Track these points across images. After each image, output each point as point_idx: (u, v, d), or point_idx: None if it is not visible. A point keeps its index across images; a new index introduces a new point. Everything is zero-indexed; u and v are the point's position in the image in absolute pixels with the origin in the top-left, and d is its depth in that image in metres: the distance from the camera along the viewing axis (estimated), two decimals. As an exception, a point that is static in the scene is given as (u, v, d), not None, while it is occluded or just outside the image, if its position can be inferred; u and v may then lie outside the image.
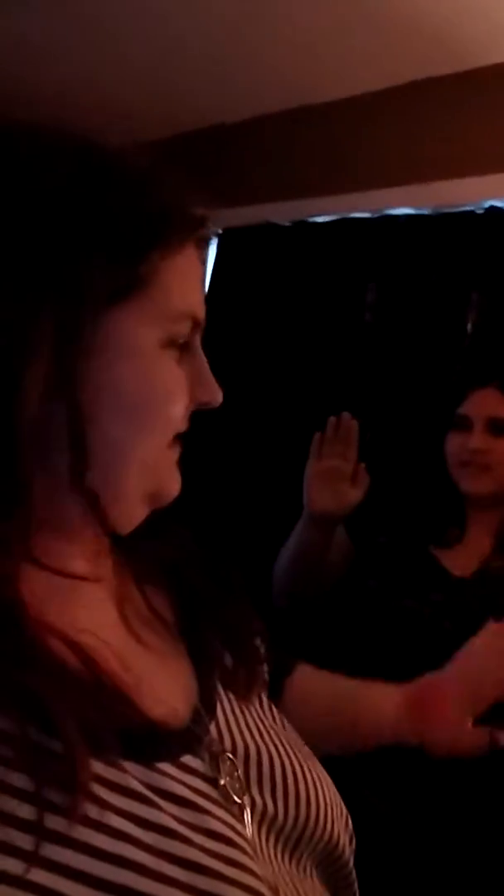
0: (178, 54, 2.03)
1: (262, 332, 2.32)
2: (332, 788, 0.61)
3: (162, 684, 0.54)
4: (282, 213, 2.30)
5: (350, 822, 0.62)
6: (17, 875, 0.38)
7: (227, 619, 0.63)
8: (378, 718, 0.83)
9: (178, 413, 0.54)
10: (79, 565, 0.53)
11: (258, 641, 0.67)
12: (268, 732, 0.59)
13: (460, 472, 1.46)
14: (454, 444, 1.48)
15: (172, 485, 0.56)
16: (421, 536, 1.48)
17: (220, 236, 2.52)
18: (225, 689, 0.59)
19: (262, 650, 0.67)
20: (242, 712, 0.59)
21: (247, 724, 0.58)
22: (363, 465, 1.48)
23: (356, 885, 0.63)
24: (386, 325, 2.08)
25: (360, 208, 2.15)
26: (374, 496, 1.50)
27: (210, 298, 2.53)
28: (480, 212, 1.95)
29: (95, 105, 2.33)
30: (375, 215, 2.14)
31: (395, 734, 0.82)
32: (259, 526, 1.98)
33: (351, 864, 0.61)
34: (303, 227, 2.27)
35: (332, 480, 1.46)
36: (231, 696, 0.59)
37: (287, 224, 2.30)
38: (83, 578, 0.52)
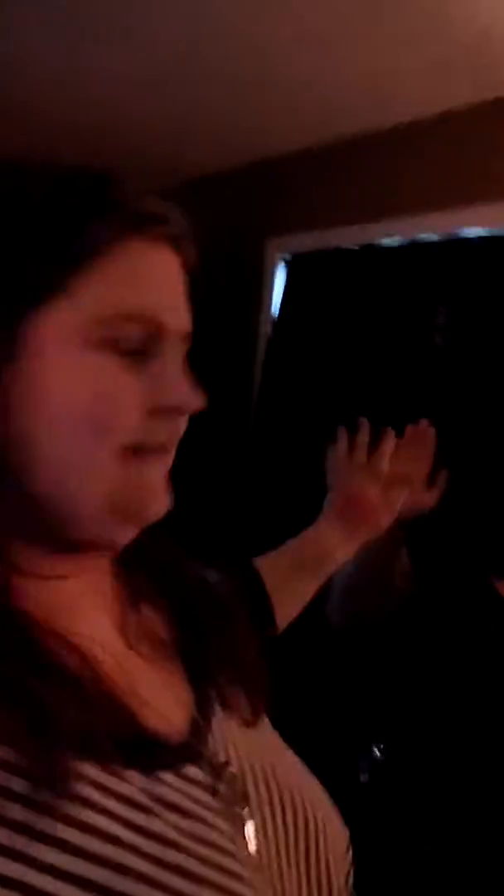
0: (236, 83, 2.07)
1: (332, 356, 2.32)
2: (329, 805, 0.61)
3: (160, 695, 0.54)
4: (349, 237, 2.31)
5: (349, 840, 0.62)
6: (18, 879, 0.38)
7: (224, 641, 0.63)
8: (334, 556, 1.03)
9: (122, 422, 0.50)
10: (64, 573, 0.53)
11: (258, 661, 0.65)
12: (263, 750, 0.59)
13: None
14: None
15: (150, 501, 0.52)
16: (482, 566, 1.45)
17: (289, 262, 2.55)
18: (222, 708, 0.59)
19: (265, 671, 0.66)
20: (239, 728, 0.59)
21: (244, 740, 0.58)
22: (438, 471, 1.44)
23: None
24: (457, 348, 2.05)
25: (429, 229, 2.14)
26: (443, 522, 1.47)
27: (281, 324, 2.56)
28: None
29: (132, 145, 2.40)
30: (444, 238, 2.12)
31: (349, 552, 1.05)
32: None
33: (350, 880, 0.61)
34: (371, 250, 2.27)
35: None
36: (228, 714, 0.59)
37: (355, 248, 2.31)
38: (64, 578, 0.53)
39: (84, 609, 0.54)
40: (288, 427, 2.41)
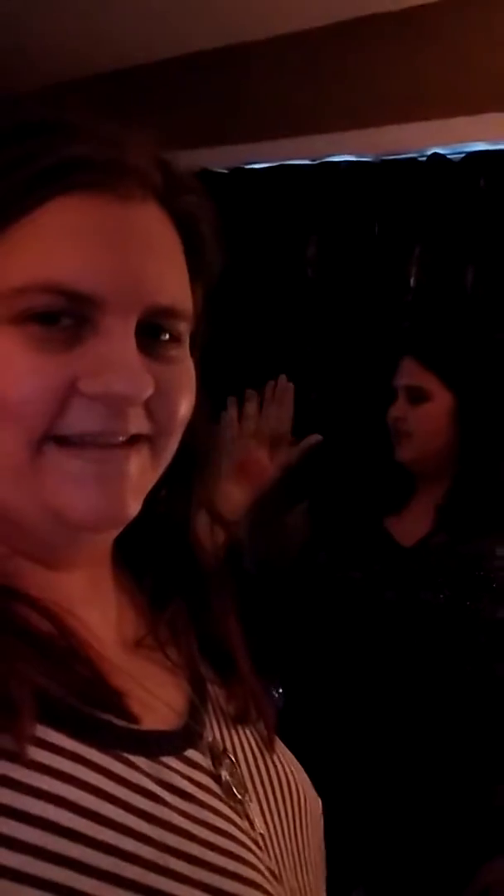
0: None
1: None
2: (307, 779, 0.63)
3: (157, 682, 0.53)
4: (219, 158, 2.20)
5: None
6: (25, 871, 0.37)
7: (219, 645, 0.61)
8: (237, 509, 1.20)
9: (31, 408, 0.43)
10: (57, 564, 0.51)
11: (248, 663, 0.63)
12: (253, 734, 0.60)
13: (395, 441, 1.51)
14: (389, 414, 1.53)
15: (74, 500, 0.45)
16: (373, 506, 1.50)
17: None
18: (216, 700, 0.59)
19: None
20: (232, 718, 0.59)
21: (235, 728, 0.58)
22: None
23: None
24: (329, 280, 2.02)
25: (300, 155, 2.07)
26: (325, 463, 1.49)
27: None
28: (423, 159, 1.90)
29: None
30: (316, 162, 2.06)
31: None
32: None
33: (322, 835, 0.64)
34: (241, 174, 2.18)
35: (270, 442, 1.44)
36: (216, 697, 0.59)
37: (224, 171, 2.21)
38: (66, 569, 0.50)
39: (88, 602, 0.51)
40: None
